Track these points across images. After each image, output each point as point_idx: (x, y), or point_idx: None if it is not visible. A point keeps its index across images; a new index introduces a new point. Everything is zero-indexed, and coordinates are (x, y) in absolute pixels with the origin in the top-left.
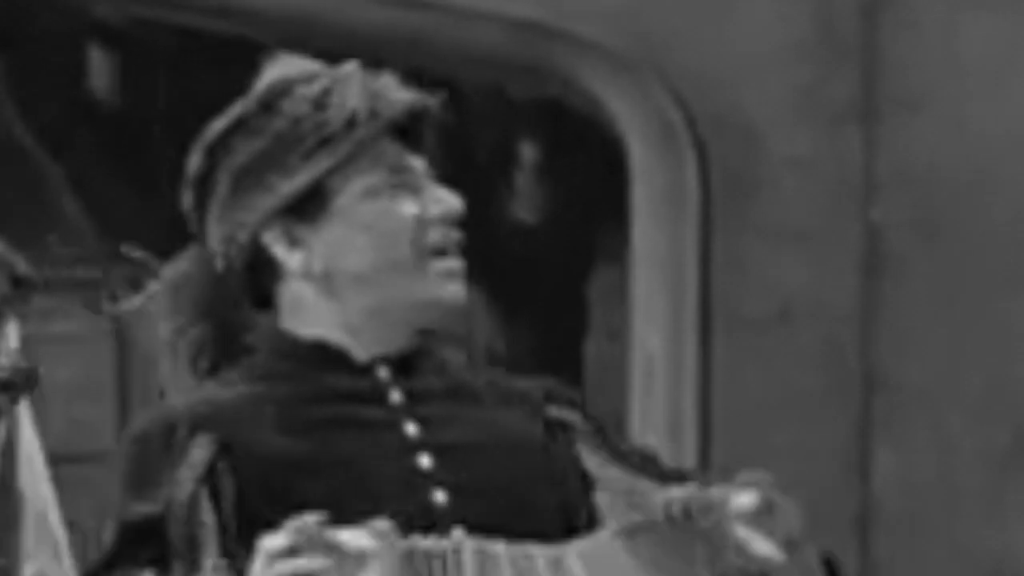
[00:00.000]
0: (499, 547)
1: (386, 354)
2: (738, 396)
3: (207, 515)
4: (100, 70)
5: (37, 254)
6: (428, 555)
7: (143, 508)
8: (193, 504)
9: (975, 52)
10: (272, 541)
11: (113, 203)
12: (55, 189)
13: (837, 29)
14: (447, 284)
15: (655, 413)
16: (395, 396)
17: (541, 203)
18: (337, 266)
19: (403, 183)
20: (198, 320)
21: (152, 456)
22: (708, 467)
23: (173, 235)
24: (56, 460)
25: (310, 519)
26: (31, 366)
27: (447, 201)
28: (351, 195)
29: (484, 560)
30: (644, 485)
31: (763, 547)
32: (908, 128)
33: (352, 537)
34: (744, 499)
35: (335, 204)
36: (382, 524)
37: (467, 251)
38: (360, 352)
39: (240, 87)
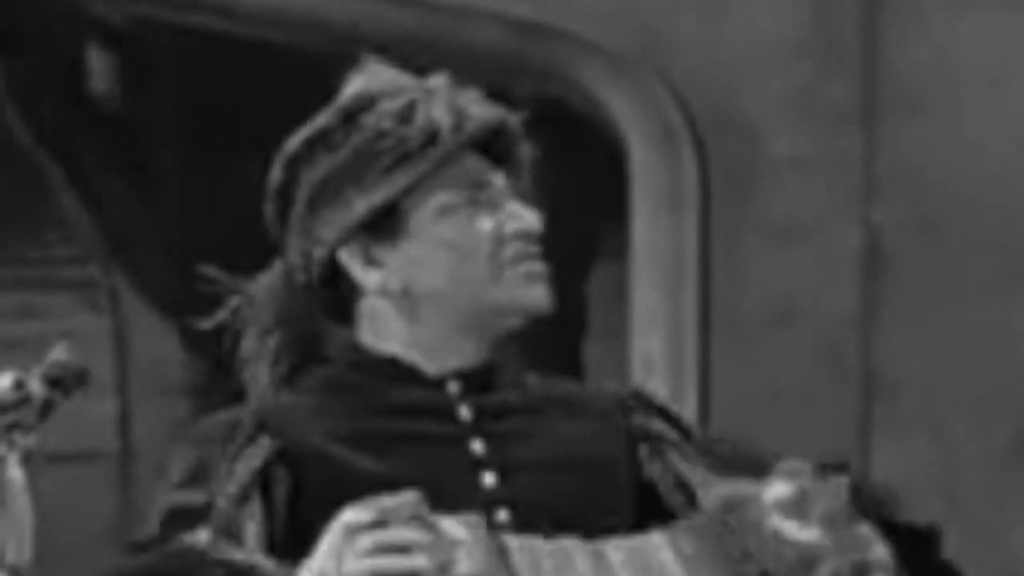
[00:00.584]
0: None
1: (459, 369)
2: (738, 396)
3: (255, 513)
4: (100, 70)
5: (37, 254)
6: (515, 551)
7: (189, 496)
8: (242, 499)
9: (974, 52)
10: (355, 514)
11: (113, 203)
12: (55, 189)
13: (837, 29)
14: (528, 286)
15: None
16: (464, 412)
17: (541, 202)
18: (414, 285)
19: (480, 199)
20: (277, 328)
21: (211, 453)
22: None
23: (172, 235)
24: (56, 459)
25: (410, 495)
26: (82, 364)
27: (524, 217)
28: (427, 213)
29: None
30: (734, 484)
31: (797, 533)
32: (908, 128)
33: (448, 524)
34: (777, 490)
35: (412, 222)
36: (473, 517)
37: None
38: (432, 368)
39: (239, 86)
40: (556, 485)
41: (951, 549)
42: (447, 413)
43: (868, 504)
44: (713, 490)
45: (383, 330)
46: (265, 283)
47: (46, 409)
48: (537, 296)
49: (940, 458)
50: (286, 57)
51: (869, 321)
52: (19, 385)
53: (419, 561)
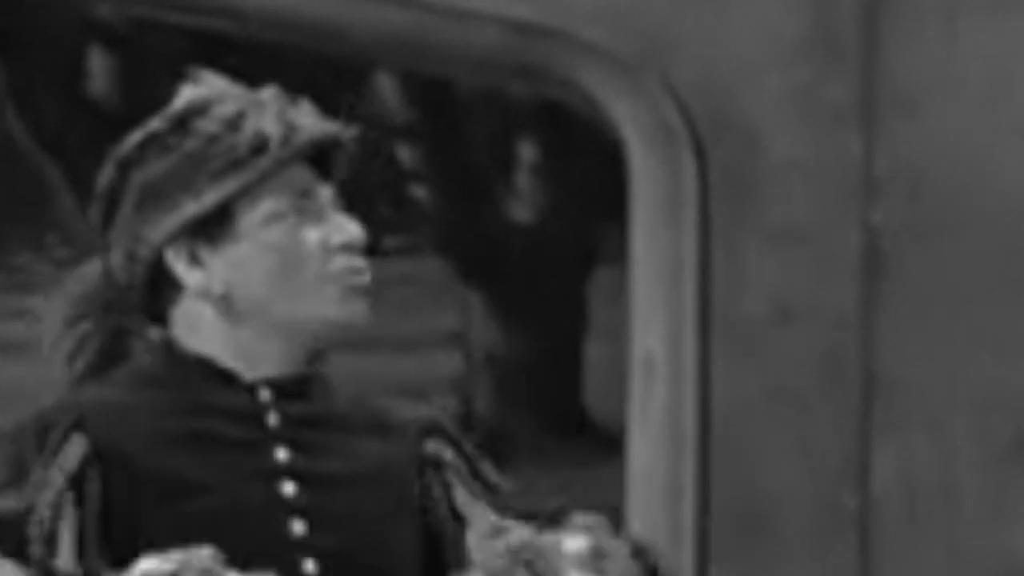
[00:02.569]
0: None
1: (273, 377)
2: (738, 397)
3: (69, 518)
4: (100, 71)
5: (36, 255)
6: None
7: (8, 503)
8: (57, 505)
9: (975, 53)
10: (152, 564)
11: None
12: (55, 189)
13: (837, 30)
14: (348, 303)
15: (655, 414)
16: (272, 419)
17: (541, 204)
18: (236, 288)
19: (306, 209)
20: (86, 318)
21: (25, 454)
22: (708, 467)
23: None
24: None
25: (204, 551)
26: None
27: (350, 230)
28: (255, 219)
29: None
30: (506, 523)
31: None
32: (908, 129)
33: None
34: (574, 543)
35: (239, 227)
36: (270, 574)
37: (467, 251)
38: (246, 373)
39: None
40: (353, 498)
41: (951, 549)
42: (255, 419)
43: (647, 567)
44: (497, 538)
45: (200, 331)
46: (81, 275)
47: None
48: (354, 311)
49: (940, 458)
50: (285, 58)
51: (869, 322)
52: None
53: None
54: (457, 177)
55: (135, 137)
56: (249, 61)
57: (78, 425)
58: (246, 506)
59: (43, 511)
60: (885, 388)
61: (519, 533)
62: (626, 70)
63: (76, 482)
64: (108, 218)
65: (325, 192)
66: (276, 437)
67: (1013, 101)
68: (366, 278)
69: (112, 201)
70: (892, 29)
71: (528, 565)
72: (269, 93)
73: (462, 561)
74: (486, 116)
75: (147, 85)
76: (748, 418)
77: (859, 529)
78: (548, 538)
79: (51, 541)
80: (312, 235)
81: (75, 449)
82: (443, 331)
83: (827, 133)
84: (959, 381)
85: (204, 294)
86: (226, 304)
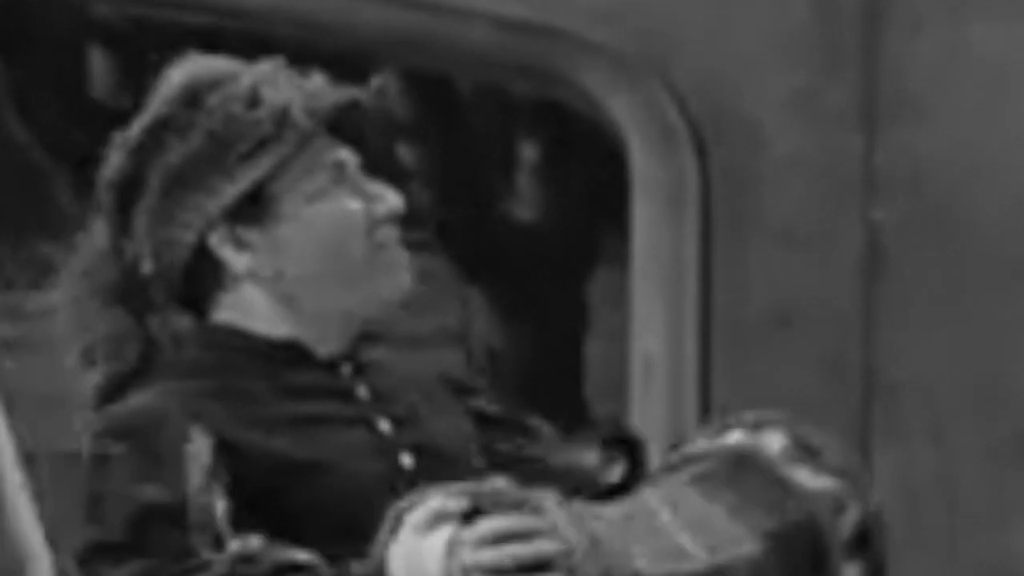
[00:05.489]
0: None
1: (344, 352)
2: (738, 397)
3: (220, 504)
4: (100, 71)
5: (33, 254)
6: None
7: (155, 494)
8: (207, 494)
9: (975, 53)
10: (443, 501)
11: None
12: (55, 189)
13: (837, 29)
14: (398, 274)
15: (655, 414)
16: (362, 392)
17: (541, 204)
18: (288, 268)
19: (344, 181)
20: (102, 314)
21: (149, 448)
22: None
23: None
24: (57, 461)
25: (501, 480)
26: None
27: (390, 200)
28: (297, 198)
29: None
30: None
31: (817, 482)
32: (908, 128)
33: (543, 497)
34: (776, 441)
35: (281, 207)
36: (551, 493)
37: (467, 251)
38: (321, 349)
39: None
40: (454, 465)
41: (951, 549)
42: (346, 394)
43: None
44: (687, 447)
45: (257, 315)
46: (84, 269)
47: None
48: (403, 282)
49: (940, 459)
50: (286, 57)
51: (869, 321)
52: None
53: (546, 546)
54: (457, 177)
55: (140, 124)
56: (251, 61)
57: (193, 418)
58: (372, 480)
59: (195, 502)
60: (885, 389)
61: (701, 441)
62: (627, 70)
63: (214, 474)
64: (125, 207)
65: (352, 160)
66: (372, 410)
67: (1013, 100)
68: (402, 253)
69: (129, 189)
70: (892, 29)
71: (746, 464)
72: (273, 65)
73: None
74: (487, 115)
75: (148, 85)
76: None
77: None
78: (741, 441)
79: (214, 529)
80: (355, 206)
81: (200, 442)
82: (443, 329)
83: (828, 132)
84: (959, 382)
85: (253, 278)
86: (279, 286)
